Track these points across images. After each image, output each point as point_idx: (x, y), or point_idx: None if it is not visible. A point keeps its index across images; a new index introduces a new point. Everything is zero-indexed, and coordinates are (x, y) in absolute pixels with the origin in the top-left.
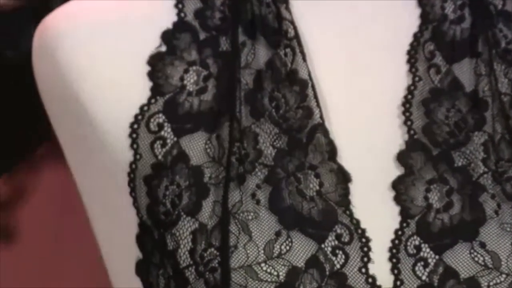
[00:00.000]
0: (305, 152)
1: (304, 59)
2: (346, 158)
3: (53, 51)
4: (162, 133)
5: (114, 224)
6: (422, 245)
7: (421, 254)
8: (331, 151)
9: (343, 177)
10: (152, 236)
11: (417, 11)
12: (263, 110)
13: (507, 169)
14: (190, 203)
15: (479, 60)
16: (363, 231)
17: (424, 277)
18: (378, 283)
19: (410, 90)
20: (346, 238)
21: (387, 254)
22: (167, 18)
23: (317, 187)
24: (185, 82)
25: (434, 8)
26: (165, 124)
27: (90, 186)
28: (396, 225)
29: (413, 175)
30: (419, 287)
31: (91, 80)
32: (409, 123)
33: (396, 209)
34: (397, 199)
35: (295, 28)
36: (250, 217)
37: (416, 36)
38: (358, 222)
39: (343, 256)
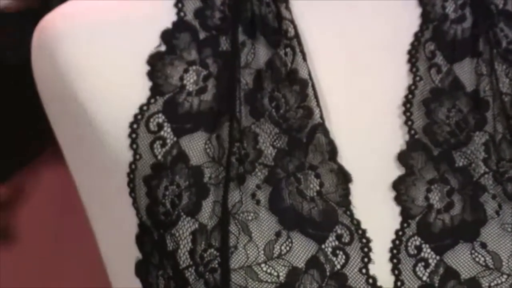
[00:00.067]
0: (305, 152)
1: (304, 58)
2: (346, 158)
3: (52, 51)
4: (162, 133)
5: (114, 224)
6: (423, 245)
7: (422, 254)
8: (332, 151)
9: (344, 177)
10: (152, 236)
11: (417, 11)
12: (263, 110)
13: (508, 169)
14: (190, 203)
15: (480, 60)
16: (364, 231)
17: (424, 278)
18: (378, 283)
19: (410, 90)
20: (346, 239)
21: (387, 255)
22: (167, 17)
23: (318, 188)
24: (184, 82)
25: (435, 7)
26: (165, 124)
27: (90, 186)
28: (396, 225)
29: (414, 175)
30: (420, 287)
31: (90, 80)
32: (409, 123)
33: (397, 209)
34: (398, 199)
35: (295, 27)
36: (250, 218)
37: (417, 36)
38: (358, 222)
39: (344, 257)
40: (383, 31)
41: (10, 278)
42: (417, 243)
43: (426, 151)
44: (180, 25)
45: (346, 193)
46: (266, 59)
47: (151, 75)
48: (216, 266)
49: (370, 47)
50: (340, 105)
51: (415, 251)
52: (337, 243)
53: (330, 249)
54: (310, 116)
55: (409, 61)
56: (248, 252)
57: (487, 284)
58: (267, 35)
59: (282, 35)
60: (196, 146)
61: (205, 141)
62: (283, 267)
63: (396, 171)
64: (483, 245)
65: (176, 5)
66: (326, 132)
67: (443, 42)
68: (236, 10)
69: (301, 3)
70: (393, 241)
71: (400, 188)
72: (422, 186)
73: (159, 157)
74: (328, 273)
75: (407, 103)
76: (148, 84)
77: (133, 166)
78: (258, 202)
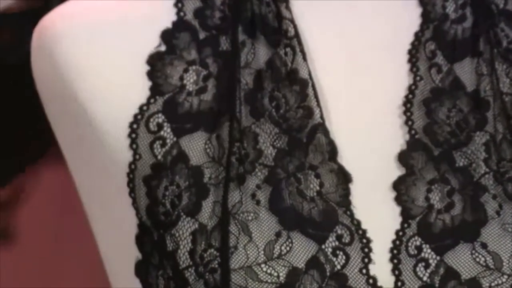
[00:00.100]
0: (305, 152)
1: (304, 58)
2: (346, 158)
3: (51, 51)
4: (162, 133)
5: (113, 224)
6: (423, 245)
7: (422, 254)
8: (332, 151)
9: (344, 178)
10: (152, 236)
11: (418, 10)
12: (263, 110)
13: (509, 169)
14: (189, 203)
15: (481, 59)
16: (364, 231)
17: (425, 278)
18: (379, 284)
19: (411, 90)
20: (346, 239)
21: (388, 255)
22: (167, 17)
23: (318, 188)
24: (184, 81)
25: (435, 7)
26: (165, 124)
27: (89, 187)
28: (397, 225)
29: (414, 175)
30: None
31: (90, 80)
32: (410, 123)
33: (397, 209)
34: (398, 200)
35: (295, 27)
36: (250, 218)
37: (417, 35)
38: (359, 222)
39: (344, 257)
40: (383, 31)
41: (10, 278)
42: (418, 243)
43: (427, 151)
44: (180, 25)
45: (346, 193)
46: (266, 58)
47: (151, 75)
48: (216, 266)
49: (370, 47)
50: (340, 105)
51: (416, 251)
52: (337, 243)
53: (330, 249)
54: (310, 116)
55: (410, 60)
56: (248, 252)
57: (487, 285)
58: (267, 35)
59: (282, 35)
60: (196, 146)
61: (205, 141)
62: (283, 267)
63: (396, 171)
64: (484, 245)
65: (176, 4)
66: (326, 132)
67: (444, 41)
68: (236, 10)
69: (301, 3)
70: (394, 242)
71: (401, 188)
72: (423, 186)
73: (159, 157)
74: (328, 274)
75: (408, 103)
76: (148, 84)
77: (133, 166)
78: (258, 202)
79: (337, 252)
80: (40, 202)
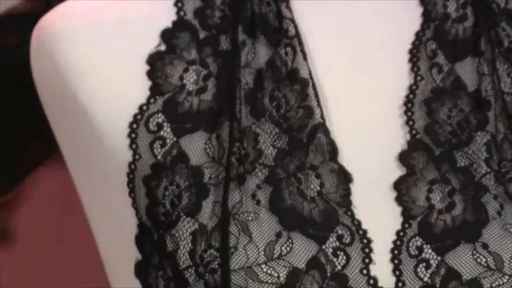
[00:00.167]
0: (305, 152)
1: (304, 58)
2: (347, 158)
3: (51, 51)
4: (162, 133)
5: (113, 225)
6: (424, 246)
7: (423, 255)
8: (332, 151)
9: (344, 178)
10: (152, 237)
11: (418, 10)
12: (264, 109)
13: (510, 169)
14: (189, 203)
15: (482, 59)
16: (365, 232)
17: (426, 279)
18: (379, 284)
19: (412, 90)
20: (347, 239)
21: (388, 255)
22: (167, 17)
23: (318, 188)
24: (184, 81)
25: (436, 6)
26: (165, 124)
27: (89, 187)
28: (397, 226)
29: (415, 175)
30: None
31: (90, 80)
32: (411, 122)
33: (398, 209)
34: (399, 200)
35: (295, 26)
36: (250, 218)
37: (418, 35)
38: (359, 223)
39: (344, 257)
40: (384, 30)
41: (10, 278)
42: (418, 243)
43: (428, 151)
44: (180, 24)
45: (347, 193)
46: (266, 58)
47: (150, 74)
48: (216, 266)
49: (371, 46)
50: (341, 105)
51: (416, 252)
52: (337, 243)
53: (330, 250)
54: (311, 116)
55: (410, 60)
56: (248, 252)
57: (488, 285)
58: (268, 34)
59: (282, 34)
60: (196, 146)
61: (205, 141)
62: (283, 268)
63: (397, 171)
64: (485, 246)
65: (176, 4)
66: (326, 132)
67: (445, 41)
68: (236, 9)
69: (302, 3)
70: (394, 242)
71: (401, 188)
72: (423, 186)
73: (159, 157)
74: (328, 274)
75: (408, 102)
76: (147, 83)
77: (132, 166)
78: (258, 203)
79: (338, 252)
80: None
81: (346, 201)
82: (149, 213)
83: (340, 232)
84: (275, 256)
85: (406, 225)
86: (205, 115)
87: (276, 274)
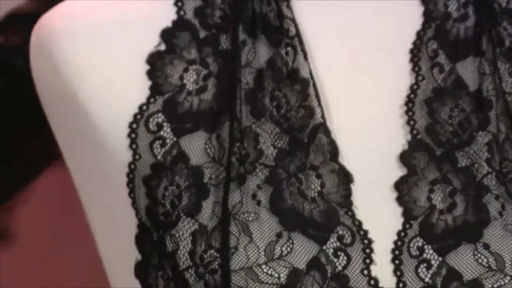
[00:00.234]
0: (306, 152)
1: (305, 58)
2: (348, 158)
3: (50, 50)
4: (162, 133)
5: (113, 225)
6: (425, 246)
7: (424, 255)
8: (333, 151)
9: (345, 178)
10: (151, 237)
11: (420, 9)
12: (264, 109)
13: (511, 170)
14: (189, 203)
15: (483, 59)
16: (365, 232)
17: (427, 279)
18: (380, 285)
19: (413, 90)
20: (348, 240)
21: (389, 256)
22: (167, 16)
23: (319, 188)
24: (184, 81)
25: (437, 6)
26: (165, 123)
27: (89, 187)
28: (398, 226)
29: (416, 175)
30: None
31: (90, 79)
32: (412, 122)
33: (399, 210)
34: (400, 200)
35: (296, 26)
36: (250, 218)
37: (419, 35)
38: (360, 223)
39: (345, 258)
40: (384, 30)
41: (10, 278)
42: (420, 244)
43: (429, 151)
44: (180, 24)
45: (348, 193)
46: (267, 58)
47: (150, 74)
48: (216, 267)
49: (371, 46)
50: (341, 105)
51: (417, 252)
52: (338, 244)
53: (331, 250)
54: (311, 115)
55: (411, 60)
56: (249, 253)
57: (490, 286)
58: (268, 34)
59: (283, 34)
60: (196, 146)
61: (205, 141)
62: (284, 268)
63: (398, 171)
64: (486, 246)
65: (176, 4)
66: (327, 132)
67: (446, 41)
68: (236, 9)
69: (302, 3)
70: (395, 242)
71: (402, 188)
72: (425, 187)
73: (159, 157)
74: (329, 275)
75: (409, 102)
76: (147, 83)
77: (132, 166)
78: (258, 203)
79: (338, 253)
80: (40, 202)
81: (347, 202)
82: (149, 213)
83: (340, 232)
84: (276, 256)
85: (407, 226)
86: (205, 115)
87: (276, 275)
